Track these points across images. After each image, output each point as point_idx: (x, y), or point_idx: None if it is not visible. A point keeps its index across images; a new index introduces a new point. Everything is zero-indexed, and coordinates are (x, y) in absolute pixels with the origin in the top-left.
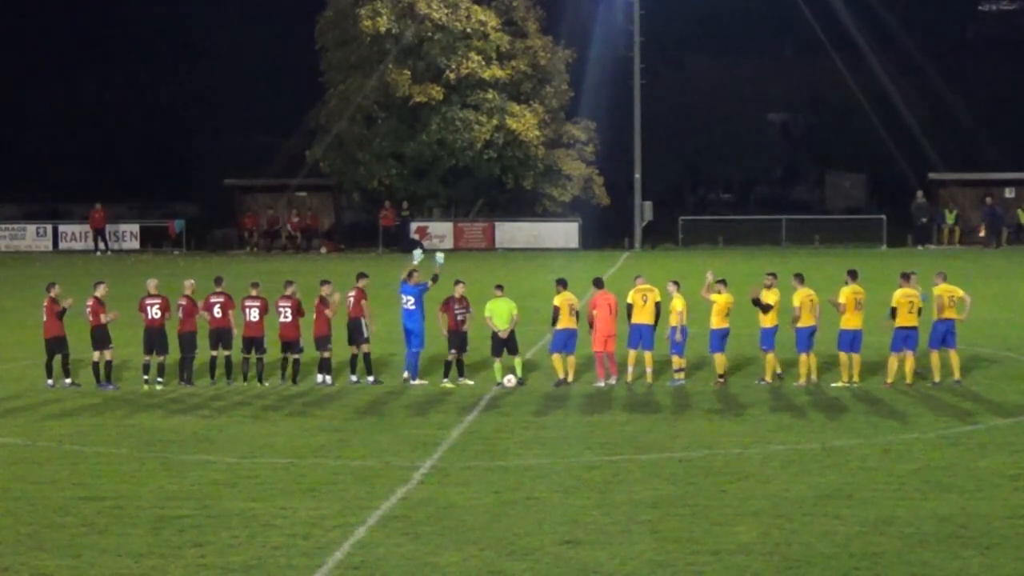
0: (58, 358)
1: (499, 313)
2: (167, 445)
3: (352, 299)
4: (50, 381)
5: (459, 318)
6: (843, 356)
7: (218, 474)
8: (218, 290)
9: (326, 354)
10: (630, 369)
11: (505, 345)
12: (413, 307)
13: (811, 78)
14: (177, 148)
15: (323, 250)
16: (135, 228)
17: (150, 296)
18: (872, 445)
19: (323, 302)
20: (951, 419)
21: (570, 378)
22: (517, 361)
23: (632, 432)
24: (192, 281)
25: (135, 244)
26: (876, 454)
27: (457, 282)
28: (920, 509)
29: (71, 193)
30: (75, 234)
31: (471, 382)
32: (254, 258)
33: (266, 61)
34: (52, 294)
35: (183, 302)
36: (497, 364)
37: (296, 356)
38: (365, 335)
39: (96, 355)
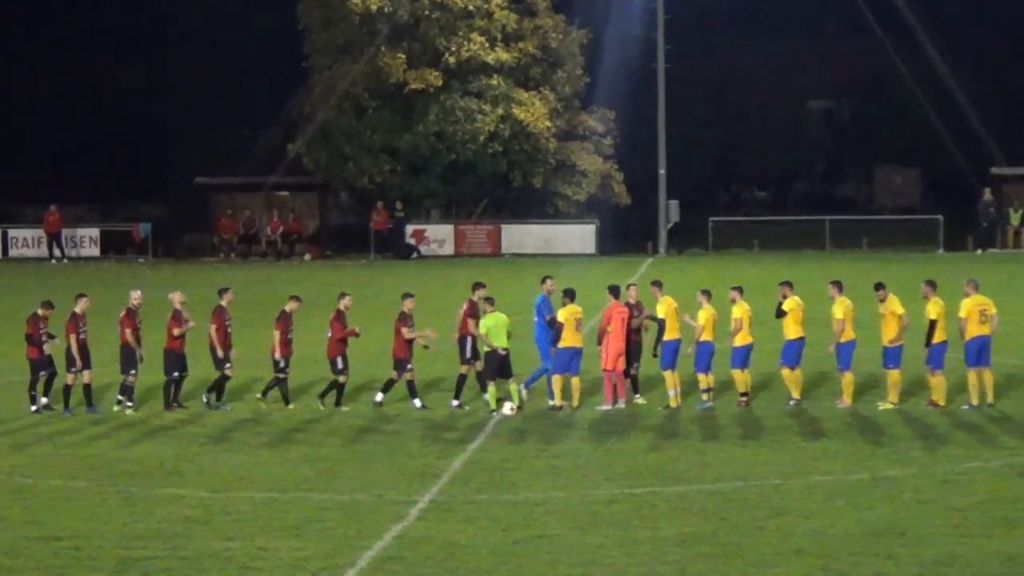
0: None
1: (497, 329)
2: (131, 477)
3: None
4: (34, 407)
5: (634, 326)
6: (972, 373)
7: (189, 510)
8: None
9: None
10: (672, 393)
11: (501, 367)
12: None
13: (857, 61)
14: (142, 143)
15: (307, 257)
16: (95, 233)
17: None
18: (928, 475)
19: (218, 313)
20: (1019, 446)
21: (575, 402)
22: (513, 386)
23: (656, 461)
24: (139, 292)
25: (95, 251)
26: (933, 485)
27: (630, 285)
28: (984, 548)
29: (22, 194)
30: (27, 240)
31: (643, 400)
32: (228, 266)
33: (242, 44)
34: (41, 312)
35: (122, 314)
36: (492, 388)
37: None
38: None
39: (71, 377)
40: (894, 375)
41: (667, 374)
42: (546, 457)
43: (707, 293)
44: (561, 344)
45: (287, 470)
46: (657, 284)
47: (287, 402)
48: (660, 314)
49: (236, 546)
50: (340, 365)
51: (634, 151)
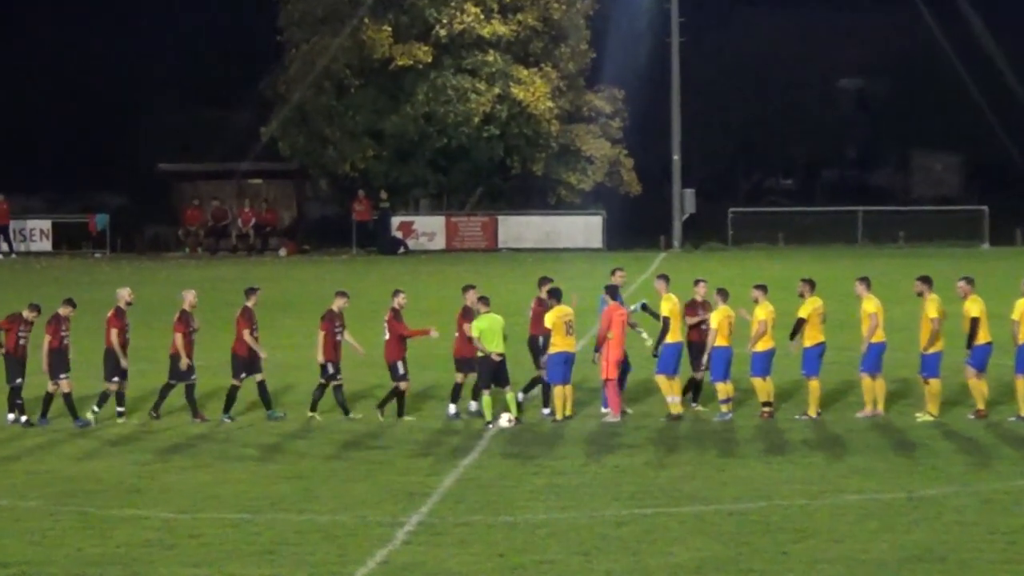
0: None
1: (491, 332)
2: (87, 496)
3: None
4: (24, 417)
5: (703, 327)
6: (1021, 381)
7: (151, 533)
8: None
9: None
10: (676, 399)
11: (497, 374)
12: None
13: (894, 34)
14: (99, 125)
15: (282, 252)
16: (46, 225)
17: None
18: (971, 494)
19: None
20: None
21: (568, 411)
22: (510, 395)
23: (669, 479)
24: (128, 290)
25: (46, 245)
26: (976, 506)
27: (698, 281)
28: None
29: None
30: None
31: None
32: (195, 262)
33: (210, 15)
34: (26, 315)
35: (109, 314)
36: (487, 398)
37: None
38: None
39: (51, 385)
40: (932, 384)
41: (661, 379)
42: (547, 474)
43: (723, 293)
44: (552, 350)
45: (260, 488)
46: (663, 278)
47: (346, 411)
48: (664, 312)
49: (203, 573)
50: (402, 371)
51: (645, 134)
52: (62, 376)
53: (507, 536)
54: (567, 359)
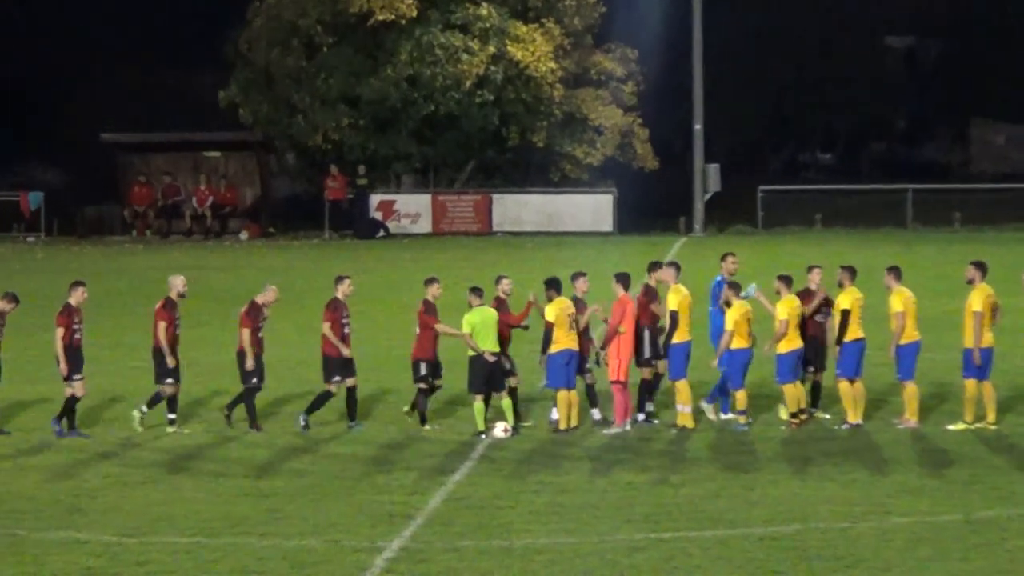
0: None
1: (484, 328)
2: (18, 517)
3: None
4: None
5: (818, 319)
6: None
7: (91, 559)
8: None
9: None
10: (687, 409)
11: (490, 377)
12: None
13: None
14: (33, 90)
15: (244, 235)
16: None
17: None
18: None
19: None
20: None
21: (574, 421)
22: (506, 402)
23: (689, 499)
24: (182, 279)
25: None
26: None
27: (812, 267)
28: None
29: None
30: None
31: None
32: (144, 247)
33: None
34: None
35: (158, 305)
36: (479, 404)
37: None
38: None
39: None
40: (968, 385)
41: (682, 384)
42: (549, 492)
43: (736, 286)
44: (553, 348)
45: (218, 508)
46: (674, 266)
47: (423, 421)
48: (671, 306)
49: None
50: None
51: (663, 101)
52: (76, 377)
53: (502, 564)
54: (571, 358)
